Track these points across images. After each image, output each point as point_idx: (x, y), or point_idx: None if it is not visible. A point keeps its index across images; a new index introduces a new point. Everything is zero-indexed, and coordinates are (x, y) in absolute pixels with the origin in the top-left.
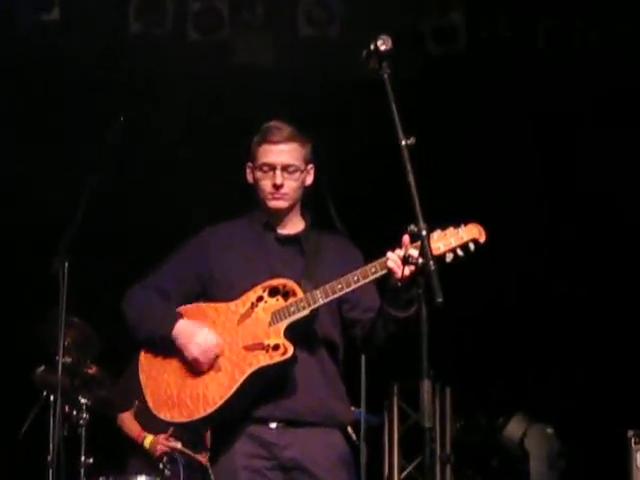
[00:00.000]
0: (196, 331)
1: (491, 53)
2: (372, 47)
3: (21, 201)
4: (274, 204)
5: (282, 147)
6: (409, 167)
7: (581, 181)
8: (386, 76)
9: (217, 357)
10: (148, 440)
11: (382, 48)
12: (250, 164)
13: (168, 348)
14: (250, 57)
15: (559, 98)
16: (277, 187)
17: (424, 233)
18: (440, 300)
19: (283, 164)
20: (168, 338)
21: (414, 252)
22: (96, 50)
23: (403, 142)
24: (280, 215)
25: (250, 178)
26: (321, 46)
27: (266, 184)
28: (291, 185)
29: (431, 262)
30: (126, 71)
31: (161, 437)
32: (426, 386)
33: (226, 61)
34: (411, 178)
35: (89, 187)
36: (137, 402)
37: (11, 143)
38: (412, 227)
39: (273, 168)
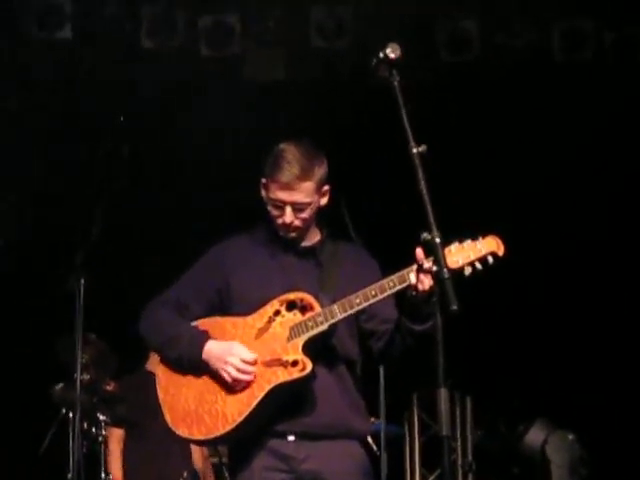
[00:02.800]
0: (228, 349)
1: (505, 60)
2: (381, 55)
3: (37, 217)
4: (285, 234)
5: (292, 188)
6: (420, 175)
7: (599, 187)
8: (396, 84)
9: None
10: None
11: (391, 56)
12: (264, 180)
13: (195, 369)
14: (262, 72)
15: (575, 103)
16: (287, 225)
17: (437, 241)
18: (455, 308)
19: (293, 203)
20: (198, 360)
21: (429, 265)
22: (108, 66)
23: (414, 150)
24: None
25: (263, 194)
26: (332, 57)
27: (277, 219)
28: (302, 218)
29: (445, 270)
30: (139, 87)
31: None
32: (443, 394)
33: (238, 76)
34: (423, 186)
35: (103, 203)
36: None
37: (25, 160)
38: (425, 235)
39: (283, 206)
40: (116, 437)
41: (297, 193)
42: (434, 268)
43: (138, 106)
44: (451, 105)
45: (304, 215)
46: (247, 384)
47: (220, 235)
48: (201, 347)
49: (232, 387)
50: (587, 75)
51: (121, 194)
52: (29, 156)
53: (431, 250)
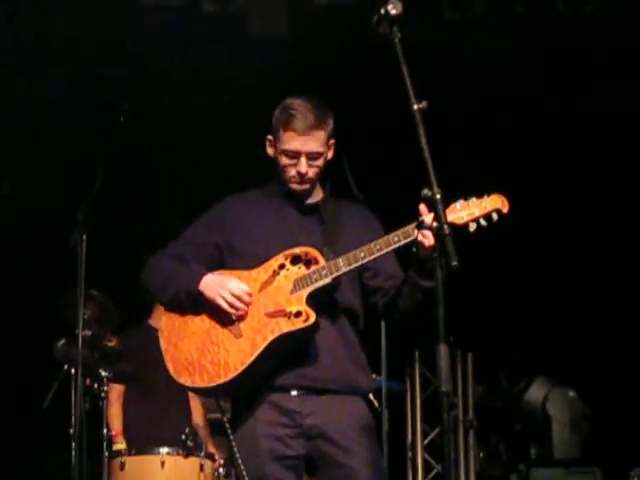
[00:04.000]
0: (225, 280)
1: (507, 18)
2: (382, 11)
3: (38, 174)
4: (297, 187)
5: (307, 136)
6: (421, 131)
7: (603, 141)
8: (397, 40)
9: (245, 314)
10: (118, 446)
11: (392, 12)
12: (271, 138)
13: (195, 305)
14: (265, 27)
15: (577, 61)
16: (302, 175)
17: (437, 197)
18: (455, 264)
19: (308, 153)
20: (195, 292)
21: (427, 217)
22: (109, 23)
23: (415, 106)
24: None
25: (270, 152)
26: (336, 14)
27: (289, 170)
28: (315, 170)
29: (445, 226)
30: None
31: None
32: (442, 350)
33: (241, 31)
34: (424, 142)
35: (105, 157)
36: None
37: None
38: (426, 192)
39: (298, 156)
40: (116, 392)
41: (312, 142)
42: (434, 224)
43: (139, 62)
44: (454, 62)
45: (317, 165)
46: (242, 316)
47: (225, 188)
48: (199, 279)
49: (230, 319)
50: (590, 29)
51: (123, 148)
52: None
53: (432, 206)
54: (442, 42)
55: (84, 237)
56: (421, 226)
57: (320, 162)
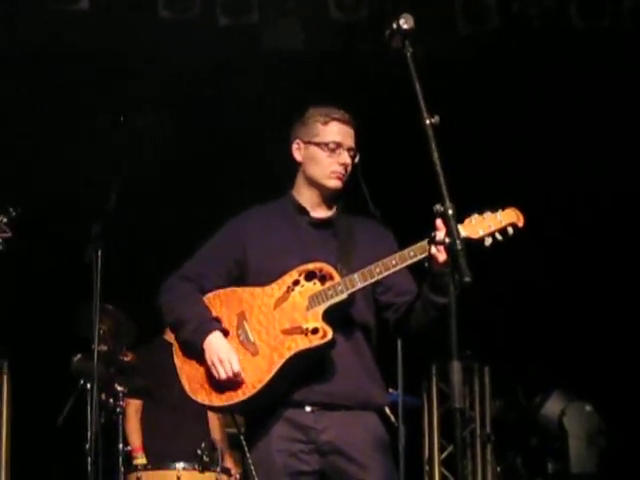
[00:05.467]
0: (223, 351)
1: (523, 31)
2: (395, 26)
3: (54, 188)
4: (334, 184)
5: (349, 129)
6: (434, 146)
7: (620, 158)
8: (409, 54)
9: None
10: (138, 461)
11: (404, 26)
12: (300, 141)
13: (198, 354)
14: (279, 42)
15: (594, 74)
16: (344, 166)
17: (450, 212)
18: (468, 279)
19: (349, 146)
20: (199, 349)
21: (439, 232)
22: (125, 37)
23: (427, 121)
24: (325, 196)
25: (298, 155)
26: (350, 29)
27: (331, 163)
28: (349, 168)
29: (458, 241)
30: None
31: None
32: (455, 367)
33: (255, 46)
34: (436, 157)
35: (121, 173)
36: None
37: (41, 135)
38: (438, 207)
39: (340, 147)
40: (134, 407)
41: (350, 136)
42: (447, 240)
43: (155, 76)
44: (469, 77)
45: (350, 166)
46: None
47: (242, 205)
48: (204, 336)
49: (246, 337)
50: (605, 42)
51: (138, 164)
52: (47, 125)
53: (445, 221)
54: (456, 56)
55: (99, 252)
56: (434, 241)
57: (352, 161)
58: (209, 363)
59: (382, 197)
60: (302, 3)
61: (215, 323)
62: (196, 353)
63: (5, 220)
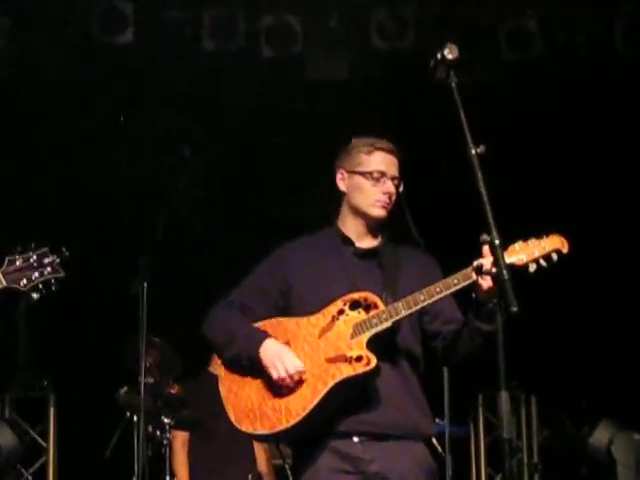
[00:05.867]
0: (283, 353)
1: (567, 59)
2: (439, 56)
3: (100, 220)
4: (379, 213)
5: (394, 159)
6: (480, 176)
7: None
8: (454, 85)
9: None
10: None
11: (449, 57)
12: (344, 171)
13: (254, 368)
14: (324, 72)
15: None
16: (388, 195)
17: (497, 242)
18: (515, 309)
19: (393, 175)
20: (255, 357)
21: (486, 261)
22: (171, 69)
23: (473, 151)
24: (370, 226)
25: (342, 185)
26: (395, 58)
27: (376, 192)
28: (393, 197)
29: (504, 271)
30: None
31: None
32: (504, 397)
33: (300, 76)
34: (482, 187)
35: (167, 205)
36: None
37: (89, 161)
38: (484, 237)
39: (384, 176)
40: (181, 440)
41: (394, 165)
42: (494, 269)
43: (201, 106)
44: (515, 104)
45: (395, 195)
46: (290, 389)
47: (284, 238)
48: (259, 343)
49: (279, 387)
50: None
51: (185, 195)
52: (93, 156)
53: (492, 250)
54: (501, 83)
55: (145, 284)
56: (480, 269)
57: (397, 190)
58: (268, 365)
59: (427, 226)
60: (345, 32)
61: (268, 334)
62: (251, 363)
63: (58, 260)
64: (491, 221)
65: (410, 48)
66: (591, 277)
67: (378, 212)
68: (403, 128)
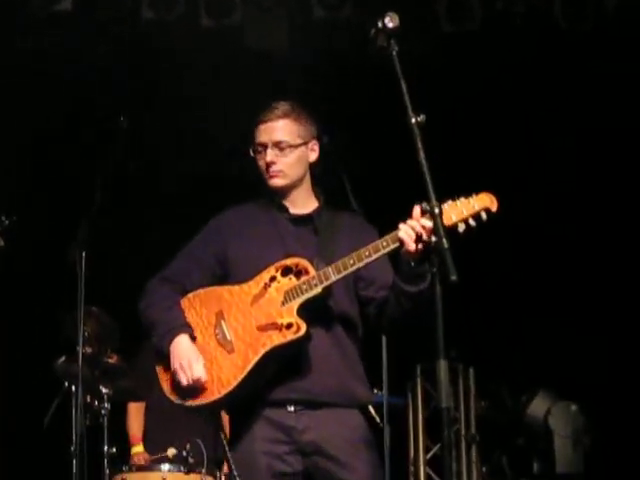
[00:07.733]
0: (190, 356)
1: (506, 29)
2: (380, 25)
3: (38, 190)
4: (272, 183)
5: (273, 124)
6: (420, 145)
7: (598, 154)
8: (394, 53)
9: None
10: (135, 449)
11: (389, 25)
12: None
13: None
14: (263, 41)
15: (577, 71)
16: (268, 165)
17: (437, 211)
18: (454, 278)
19: (273, 141)
20: (165, 352)
21: (427, 222)
22: (108, 38)
23: (413, 120)
24: (285, 194)
25: (253, 156)
26: (333, 28)
27: (262, 164)
28: (285, 162)
29: (444, 240)
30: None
31: (146, 456)
32: (442, 366)
33: (239, 46)
34: (422, 156)
35: (104, 172)
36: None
37: (25, 130)
38: (424, 205)
39: (265, 147)
40: (135, 407)
41: (277, 131)
42: (433, 238)
43: (138, 77)
44: (452, 75)
45: (285, 159)
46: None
47: (223, 204)
48: (171, 337)
49: (222, 334)
50: (589, 42)
51: (121, 164)
52: (29, 126)
53: (431, 219)
54: (440, 54)
55: (83, 254)
56: (420, 239)
57: (290, 156)
58: (174, 367)
59: (367, 195)
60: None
61: (183, 328)
62: (164, 358)
63: None
64: (431, 189)
65: (350, 17)
66: (524, 241)
67: (272, 182)
68: (343, 98)
